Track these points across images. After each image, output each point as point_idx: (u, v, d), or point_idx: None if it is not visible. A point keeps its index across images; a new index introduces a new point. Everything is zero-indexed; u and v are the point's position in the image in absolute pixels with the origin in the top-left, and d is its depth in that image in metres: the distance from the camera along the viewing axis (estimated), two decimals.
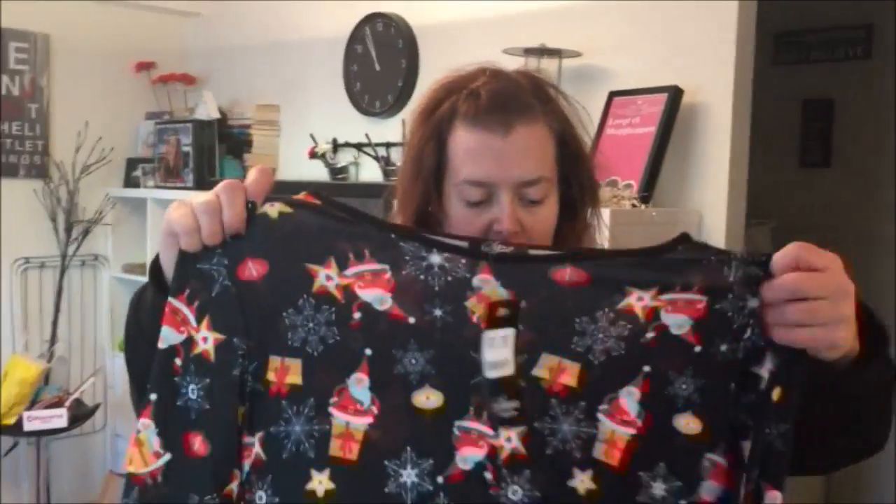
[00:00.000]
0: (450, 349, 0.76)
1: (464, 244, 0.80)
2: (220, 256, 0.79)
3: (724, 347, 0.75)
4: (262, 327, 0.78)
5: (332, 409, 0.77)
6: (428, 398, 0.76)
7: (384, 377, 0.77)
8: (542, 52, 2.40)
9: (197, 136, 3.43)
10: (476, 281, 0.77)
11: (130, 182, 3.84)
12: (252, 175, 0.86)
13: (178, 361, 0.78)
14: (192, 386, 0.78)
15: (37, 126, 3.66)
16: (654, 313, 0.76)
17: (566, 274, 0.77)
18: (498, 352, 0.76)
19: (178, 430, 0.78)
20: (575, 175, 1.05)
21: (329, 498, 0.77)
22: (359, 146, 3.11)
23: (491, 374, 0.75)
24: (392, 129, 3.04)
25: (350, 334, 0.77)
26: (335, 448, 0.77)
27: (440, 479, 0.76)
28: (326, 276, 0.78)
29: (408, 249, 0.79)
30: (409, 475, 0.76)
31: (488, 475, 0.76)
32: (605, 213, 2.01)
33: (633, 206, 2.13)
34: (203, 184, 3.43)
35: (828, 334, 0.76)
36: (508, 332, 0.76)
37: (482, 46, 2.74)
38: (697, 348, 0.75)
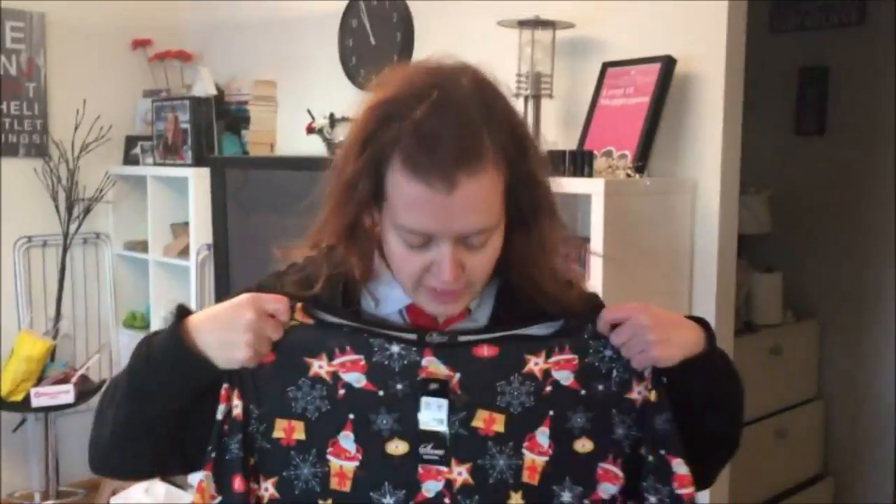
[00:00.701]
0: (409, 412, 1.02)
1: (413, 337, 1.04)
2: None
3: (600, 387, 1.04)
4: (271, 398, 1.04)
5: (329, 456, 1.03)
6: (396, 446, 1.03)
7: (365, 432, 1.03)
8: (537, 23, 2.41)
9: (195, 113, 3.45)
10: (424, 361, 1.03)
11: (130, 159, 3.87)
12: (277, 306, 1.03)
13: (226, 427, 1.04)
14: (233, 442, 1.04)
15: (35, 105, 3.68)
16: (546, 373, 1.04)
17: (483, 350, 1.04)
18: (432, 412, 1.02)
19: (228, 475, 1.04)
20: (526, 197, 1.02)
21: None
22: None
23: (423, 426, 1.02)
24: None
25: (338, 404, 1.03)
26: (334, 483, 1.03)
27: None
28: (319, 366, 1.04)
29: (376, 343, 1.04)
30: (388, 501, 1.02)
31: (446, 500, 1.02)
32: (600, 183, 2.05)
33: (628, 175, 2.15)
34: (202, 160, 3.45)
35: (655, 350, 1.02)
36: (442, 402, 1.02)
37: (476, 18, 2.75)
38: (582, 392, 1.04)
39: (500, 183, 0.98)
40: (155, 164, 3.69)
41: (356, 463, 1.03)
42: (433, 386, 1.02)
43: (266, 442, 1.04)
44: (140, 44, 3.90)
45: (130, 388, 1.05)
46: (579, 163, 2.12)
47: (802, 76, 3.36)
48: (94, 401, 3.62)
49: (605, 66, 2.38)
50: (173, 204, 3.72)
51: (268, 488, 1.04)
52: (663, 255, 2.23)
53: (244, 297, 1.03)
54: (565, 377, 1.04)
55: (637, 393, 1.05)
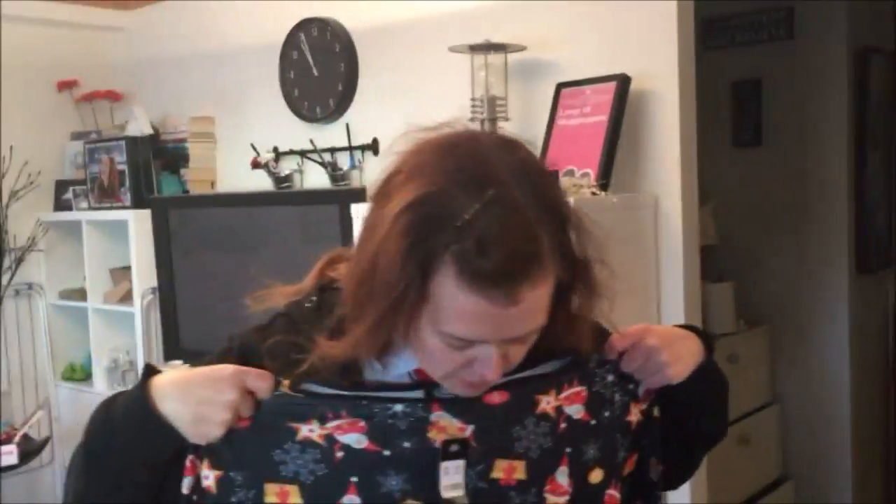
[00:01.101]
0: (421, 469, 0.95)
1: (420, 394, 0.97)
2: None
3: (607, 413, 1.03)
4: (254, 461, 0.94)
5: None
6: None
7: (373, 495, 0.94)
8: (489, 47, 2.41)
9: (131, 153, 3.35)
10: (432, 417, 0.96)
11: (61, 205, 3.72)
12: (261, 385, 0.94)
13: (195, 498, 0.95)
14: None
15: None
16: (558, 409, 1.00)
17: (494, 397, 0.98)
18: (451, 477, 0.96)
19: None
20: (577, 278, 0.94)
21: None
22: (303, 153, 3.08)
23: (445, 494, 0.96)
24: (336, 134, 3.02)
25: (336, 467, 0.94)
26: None
27: None
28: (308, 429, 0.94)
29: (375, 406, 0.95)
30: None
31: None
32: (569, 202, 2.05)
33: (593, 193, 2.16)
34: (142, 201, 3.34)
35: (669, 371, 1.03)
36: (460, 464, 0.96)
37: (424, 46, 2.75)
38: (593, 422, 1.02)
39: (554, 279, 0.90)
40: (90, 207, 3.56)
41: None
42: (454, 448, 0.94)
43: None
44: (66, 85, 3.78)
45: (87, 454, 0.96)
46: None
47: (736, 90, 3.45)
48: (39, 460, 3.46)
49: (560, 86, 2.40)
50: (110, 248, 3.59)
51: None
52: (631, 270, 2.24)
53: (227, 370, 0.92)
54: (576, 410, 1.01)
55: (635, 414, 1.05)
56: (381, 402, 0.95)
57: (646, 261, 2.30)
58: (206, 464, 0.94)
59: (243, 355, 1.02)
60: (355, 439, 0.94)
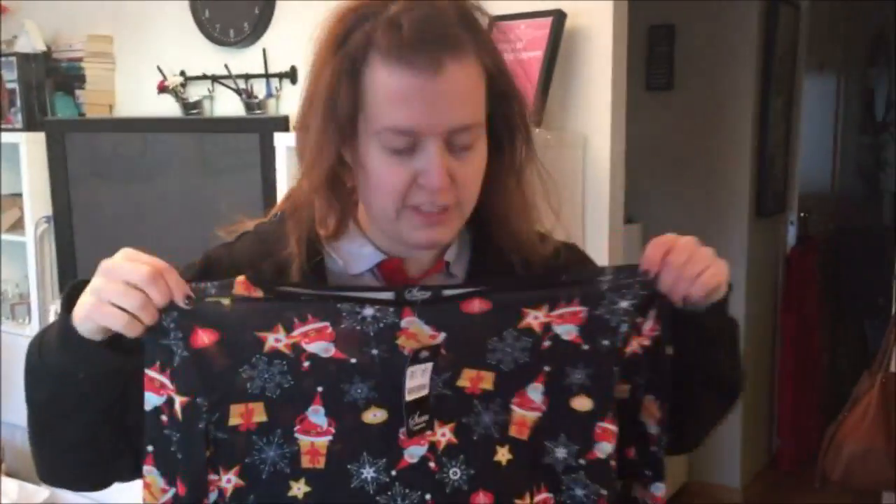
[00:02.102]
0: (388, 377, 0.93)
1: (390, 296, 0.94)
2: (174, 331, 0.92)
3: (605, 342, 0.97)
4: (221, 383, 0.92)
5: (297, 434, 0.93)
6: (375, 414, 0.94)
7: (337, 404, 0.93)
8: None
9: (23, 71, 3.11)
10: (403, 322, 0.94)
11: None
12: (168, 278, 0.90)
13: (164, 417, 0.92)
14: (174, 438, 0.93)
15: None
16: (546, 327, 0.97)
17: (475, 305, 0.96)
18: (416, 380, 0.93)
19: (174, 473, 0.93)
20: (503, 114, 0.97)
21: (308, 499, 0.94)
22: (214, 78, 2.93)
23: (409, 396, 0.93)
24: (251, 60, 2.88)
25: (303, 377, 0.93)
26: (305, 461, 0.93)
27: (394, 472, 0.94)
28: (275, 339, 0.92)
29: (344, 308, 0.94)
30: (368, 472, 0.94)
31: (431, 463, 0.95)
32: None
33: None
34: (34, 124, 3.12)
35: (718, 270, 0.98)
36: (427, 366, 0.94)
37: None
38: (584, 346, 0.97)
39: (481, 81, 0.92)
40: None
41: (329, 437, 0.93)
42: (424, 354, 0.93)
43: (221, 432, 0.92)
44: None
45: (28, 387, 0.96)
46: None
47: (651, 34, 3.49)
48: None
49: (493, 20, 2.35)
50: None
51: (230, 479, 0.93)
52: (559, 210, 2.25)
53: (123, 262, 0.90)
54: (567, 331, 0.97)
55: (635, 347, 0.99)
56: (350, 301, 0.93)
57: (572, 200, 2.31)
58: (174, 388, 0.92)
59: (207, 268, 1.02)
60: (322, 347, 0.93)
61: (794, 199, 3.92)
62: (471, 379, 0.95)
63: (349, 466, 0.93)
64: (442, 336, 0.94)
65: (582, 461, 0.98)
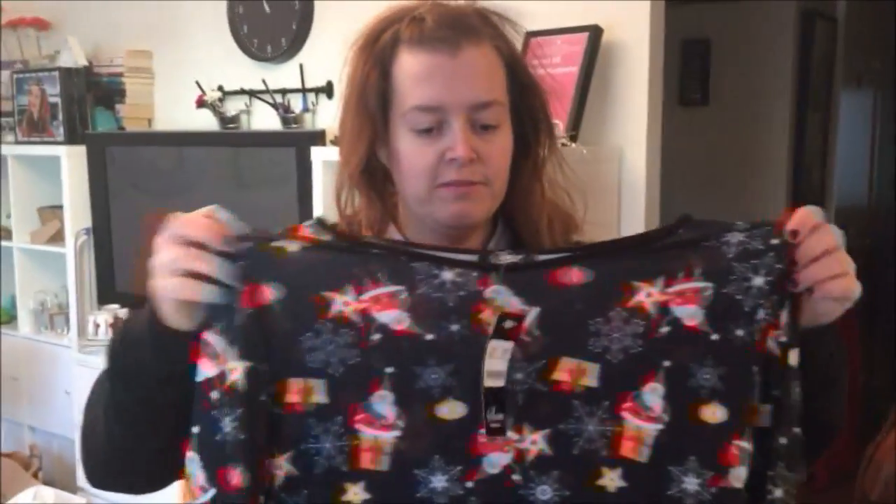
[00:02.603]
0: (468, 361, 0.77)
1: (473, 258, 0.80)
2: (233, 286, 0.79)
3: (740, 332, 0.77)
4: (280, 350, 0.79)
5: (358, 426, 0.79)
6: (451, 409, 0.78)
7: (407, 392, 0.78)
8: None
9: (65, 86, 3.16)
10: (488, 293, 0.78)
11: None
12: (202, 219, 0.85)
13: (213, 395, 0.78)
14: (227, 419, 0.78)
15: None
16: (661, 309, 0.78)
17: (571, 275, 0.79)
18: (496, 362, 0.78)
19: (216, 465, 0.78)
20: (526, 106, 1.00)
21: None
22: (252, 93, 2.96)
23: (487, 382, 0.78)
24: (288, 75, 2.91)
25: (370, 355, 0.78)
26: (366, 461, 0.79)
27: (469, 484, 0.79)
28: (343, 302, 0.79)
29: (420, 269, 0.79)
30: (439, 481, 0.78)
31: (516, 477, 0.78)
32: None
33: (563, 145, 2.15)
34: (75, 137, 3.18)
35: (852, 281, 0.83)
36: (508, 346, 0.77)
37: None
38: (714, 336, 0.77)
39: (500, 67, 0.98)
40: (16, 142, 3.36)
41: (396, 433, 0.78)
42: (509, 324, 0.77)
43: (277, 408, 0.79)
44: None
45: (110, 375, 0.90)
46: None
47: (685, 48, 3.48)
48: None
49: (529, 35, 2.36)
50: (38, 186, 3.41)
51: (281, 466, 0.79)
52: (595, 224, 2.25)
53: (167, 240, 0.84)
54: (690, 314, 0.77)
55: (772, 345, 0.78)
56: (426, 260, 0.79)
57: (608, 214, 2.31)
58: (235, 352, 0.78)
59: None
60: (394, 317, 0.78)
61: (831, 214, 3.88)
62: (568, 371, 0.78)
63: (416, 471, 0.78)
64: (534, 312, 0.78)
65: (714, 490, 0.78)
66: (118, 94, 3.33)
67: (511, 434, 0.78)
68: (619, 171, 2.31)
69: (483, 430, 0.78)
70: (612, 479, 0.79)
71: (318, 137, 2.49)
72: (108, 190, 3.07)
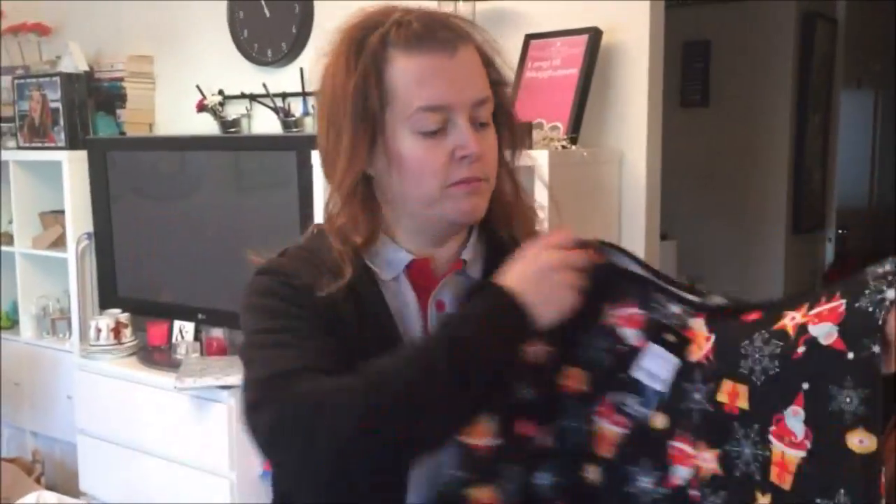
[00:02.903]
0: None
1: (696, 299, 0.90)
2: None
3: (875, 347, 0.72)
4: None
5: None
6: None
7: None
8: None
9: (66, 91, 3.17)
10: (691, 322, 0.88)
11: None
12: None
13: (693, 492, 0.83)
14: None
15: None
16: (801, 328, 0.77)
17: (751, 315, 0.85)
18: (652, 364, 0.86)
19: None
20: (498, 102, 1.03)
21: None
22: (252, 97, 2.97)
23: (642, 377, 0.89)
24: (288, 79, 2.92)
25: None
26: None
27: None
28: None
29: (659, 300, 0.89)
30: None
31: (693, 491, 0.83)
32: (543, 154, 2.04)
33: (564, 147, 2.15)
34: (76, 142, 3.18)
35: None
36: (669, 358, 0.85)
37: None
38: (850, 354, 0.73)
39: (482, 65, 1.01)
40: (18, 147, 3.37)
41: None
42: (671, 338, 0.85)
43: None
44: None
45: (451, 370, 0.88)
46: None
47: (686, 50, 3.48)
48: None
49: (528, 38, 2.37)
50: (39, 191, 3.41)
51: (708, 459, 0.82)
52: (595, 226, 2.25)
53: (543, 252, 0.96)
54: (826, 332, 0.75)
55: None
56: (665, 294, 0.90)
57: (608, 215, 2.31)
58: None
59: (289, 279, 1.02)
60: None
61: (831, 216, 3.88)
62: (728, 393, 0.82)
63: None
64: (713, 338, 0.85)
65: None
66: (119, 99, 3.34)
67: (689, 449, 0.82)
68: (620, 173, 2.32)
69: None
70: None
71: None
72: (110, 194, 3.08)
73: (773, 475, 0.78)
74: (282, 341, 0.95)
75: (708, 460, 0.83)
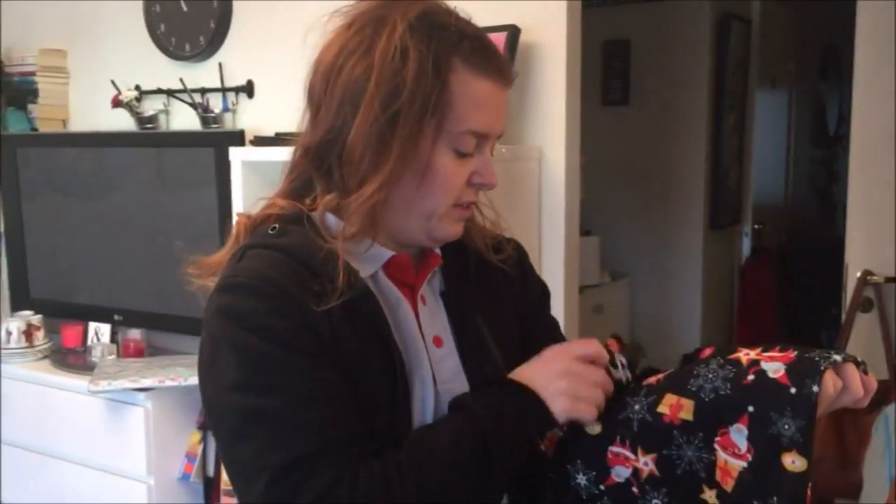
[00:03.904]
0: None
1: None
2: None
3: (815, 387, 0.84)
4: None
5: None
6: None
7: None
8: None
9: None
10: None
11: None
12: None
13: (634, 489, 0.94)
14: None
15: None
16: (754, 362, 0.90)
17: (707, 351, 0.97)
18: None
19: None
20: None
21: None
22: (170, 92, 2.90)
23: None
24: (207, 74, 2.86)
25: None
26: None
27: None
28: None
29: None
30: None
31: (634, 489, 0.94)
32: None
33: None
34: None
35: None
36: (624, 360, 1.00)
37: None
38: (792, 389, 0.85)
39: None
40: None
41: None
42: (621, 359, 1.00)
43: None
44: None
45: (483, 462, 0.90)
46: None
47: (606, 49, 3.53)
48: None
49: None
50: None
51: (648, 463, 0.93)
52: (516, 223, 2.26)
53: (564, 359, 0.97)
54: (774, 368, 0.88)
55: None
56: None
57: (528, 212, 2.33)
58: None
59: (274, 295, 0.91)
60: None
61: (748, 212, 3.99)
62: (671, 406, 0.92)
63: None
64: (668, 371, 0.98)
65: None
66: (31, 94, 3.23)
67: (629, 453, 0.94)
68: (540, 170, 2.34)
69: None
70: (710, 497, 0.91)
71: (238, 138, 2.45)
72: (21, 193, 2.98)
73: (718, 476, 0.89)
74: (283, 412, 0.86)
75: (646, 463, 0.92)
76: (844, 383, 0.88)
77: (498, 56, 0.98)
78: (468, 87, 0.94)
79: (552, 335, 1.18)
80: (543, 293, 1.22)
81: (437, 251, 1.07)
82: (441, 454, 0.89)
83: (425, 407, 0.98)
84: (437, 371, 1.00)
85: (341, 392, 0.89)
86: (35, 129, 3.22)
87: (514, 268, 1.15)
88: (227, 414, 0.89)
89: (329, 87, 0.95)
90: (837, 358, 0.87)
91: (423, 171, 0.95)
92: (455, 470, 0.89)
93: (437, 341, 1.02)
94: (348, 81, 0.93)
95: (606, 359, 0.98)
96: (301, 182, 1.03)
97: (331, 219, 0.99)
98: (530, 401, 0.94)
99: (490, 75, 0.96)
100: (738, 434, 0.87)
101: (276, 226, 0.99)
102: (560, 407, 0.94)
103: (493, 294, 1.11)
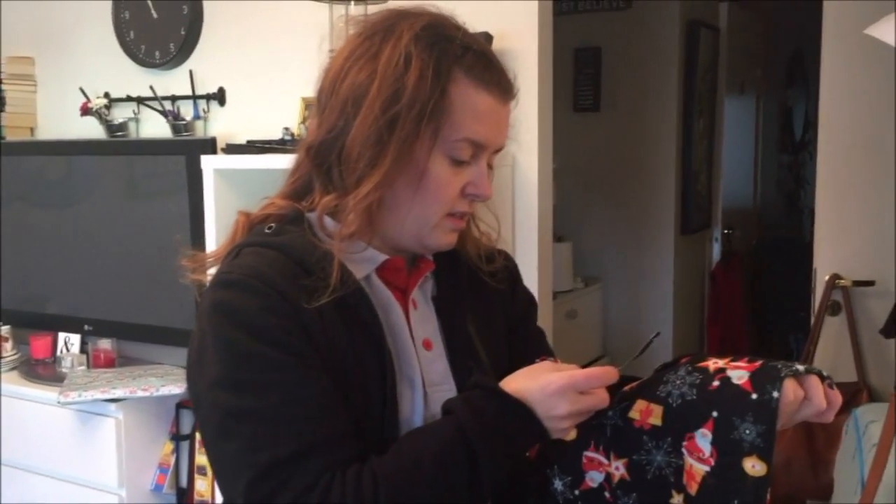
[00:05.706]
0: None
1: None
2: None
3: (775, 394, 0.87)
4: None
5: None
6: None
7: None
8: None
9: None
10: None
11: None
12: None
13: (606, 494, 0.96)
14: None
15: None
16: (720, 369, 0.92)
17: (684, 359, 0.98)
18: None
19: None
20: None
21: None
22: (140, 100, 2.88)
23: None
24: (178, 81, 2.84)
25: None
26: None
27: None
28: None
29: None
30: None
31: (606, 493, 0.96)
32: None
33: None
34: None
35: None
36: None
37: None
38: (753, 395, 0.88)
39: None
40: None
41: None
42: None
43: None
44: None
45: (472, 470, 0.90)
46: None
47: (578, 56, 3.56)
48: None
49: None
50: None
51: (619, 468, 0.95)
52: (490, 228, 2.27)
53: (561, 390, 0.92)
54: (738, 375, 0.90)
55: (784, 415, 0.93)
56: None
57: (502, 218, 2.32)
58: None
59: (274, 296, 0.92)
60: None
61: (717, 216, 4.03)
62: (641, 411, 0.94)
63: None
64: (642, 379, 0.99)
65: None
66: None
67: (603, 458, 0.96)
68: (513, 176, 2.35)
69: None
70: (678, 502, 0.92)
71: (209, 145, 2.44)
72: None
73: (685, 479, 0.91)
74: (266, 412, 0.87)
75: (617, 468, 0.94)
76: (807, 394, 0.89)
77: (501, 71, 1.01)
78: (467, 98, 0.96)
79: (538, 345, 1.19)
80: (531, 304, 1.23)
81: (430, 257, 1.07)
82: (425, 469, 0.88)
83: (414, 409, 0.99)
84: (427, 374, 1.01)
85: (328, 393, 0.90)
86: (2, 138, 3.18)
87: (504, 279, 1.16)
88: (212, 411, 0.90)
89: (335, 89, 0.98)
90: (800, 368, 0.89)
91: (419, 177, 0.97)
92: (437, 486, 0.88)
93: (427, 344, 1.03)
94: (353, 84, 0.96)
95: (615, 379, 0.95)
96: (301, 184, 1.05)
97: (328, 220, 1.00)
98: (527, 424, 0.92)
99: (490, 89, 0.98)
100: (703, 439, 0.89)
101: (273, 225, 1.01)
102: (559, 430, 0.94)
103: (484, 302, 1.12)
